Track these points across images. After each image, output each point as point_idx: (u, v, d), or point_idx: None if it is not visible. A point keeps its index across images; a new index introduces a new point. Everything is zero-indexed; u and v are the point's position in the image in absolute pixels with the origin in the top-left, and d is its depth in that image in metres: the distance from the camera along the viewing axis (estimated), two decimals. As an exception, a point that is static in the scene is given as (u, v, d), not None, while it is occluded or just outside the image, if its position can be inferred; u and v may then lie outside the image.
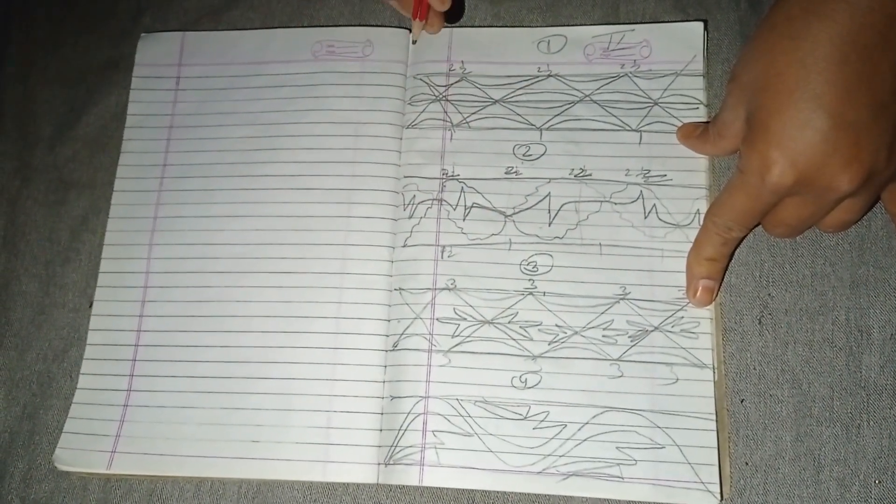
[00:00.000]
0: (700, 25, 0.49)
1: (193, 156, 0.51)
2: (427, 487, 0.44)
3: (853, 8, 0.37)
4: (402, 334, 0.46)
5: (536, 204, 0.47)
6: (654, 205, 0.47)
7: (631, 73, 0.49)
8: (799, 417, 0.43)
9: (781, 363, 0.44)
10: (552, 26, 0.51)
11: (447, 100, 0.50)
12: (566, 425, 0.43)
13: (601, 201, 0.47)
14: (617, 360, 0.44)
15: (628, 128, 0.48)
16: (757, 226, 0.44)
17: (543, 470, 0.43)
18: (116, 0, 0.57)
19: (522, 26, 0.51)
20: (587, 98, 0.49)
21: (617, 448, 0.43)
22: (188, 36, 0.53)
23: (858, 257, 0.45)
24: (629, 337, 0.45)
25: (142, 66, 0.53)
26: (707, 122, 0.47)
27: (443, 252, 0.47)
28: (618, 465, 0.42)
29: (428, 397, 0.45)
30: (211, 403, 0.46)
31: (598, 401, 0.44)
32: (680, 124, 0.48)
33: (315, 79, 0.51)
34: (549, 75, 0.50)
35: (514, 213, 0.47)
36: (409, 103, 0.50)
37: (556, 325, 0.45)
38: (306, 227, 0.48)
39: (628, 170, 0.47)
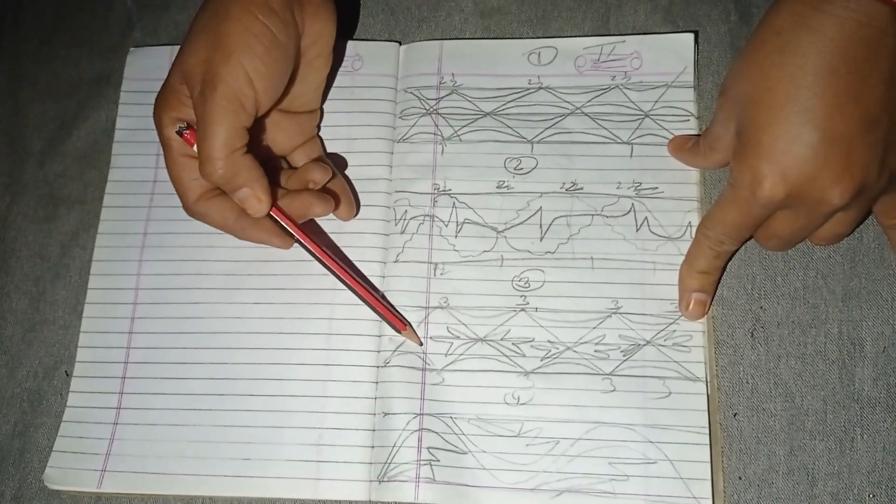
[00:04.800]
0: (690, 37, 0.49)
1: (183, 171, 0.50)
2: (420, 504, 0.44)
3: (842, 21, 0.37)
4: (394, 351, 0.46)
5: (528, 219, 0.47)
6: (646, 217, 0.47)
7: (622, 84, 0.49)
8: (792, 431, 0.43)
9: (774, 376, 0.44)
10: (542, 38, 0.51)
11: (438, 113, 0.50)
12: (559, 441, 0.43)
13: (593, 215, 0.47)
14: (609, 374, 0.44)
15: (619, 140, 0.48)
16: (749, 239, 0.44)
17: (537, 487, 0.43)
18: (107, 14, 0.56)
19: (513, 38, 0.51)
20: (578, 110, 0.49)
21: (609, 463, 0.43)
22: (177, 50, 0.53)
23: (850, 270, 0.45)
24: (621, 351, 0.44)
25: (131, 81, 0.53)
26: (698, 135, 0.46)
27: (435, 270, 0.47)
28: (610, 480, 0.42)
29: (422, 414, 0.44)
30: (201, 421, 0.46)
31: (590, 416, 0.43)
32: (671, 137, 0.48)
33: (305, 93, 0.51)
34: (540, 87, 0.50)
35: (505, 229, 0.47)
36: (400, 117, 0.50)
37: (549, 341, 0.45)
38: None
39: (619, 183, 0.47)
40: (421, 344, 0.46)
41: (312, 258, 0.45)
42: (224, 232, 0.46)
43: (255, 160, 0.43)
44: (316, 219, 0.48)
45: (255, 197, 0.43)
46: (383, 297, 0.47)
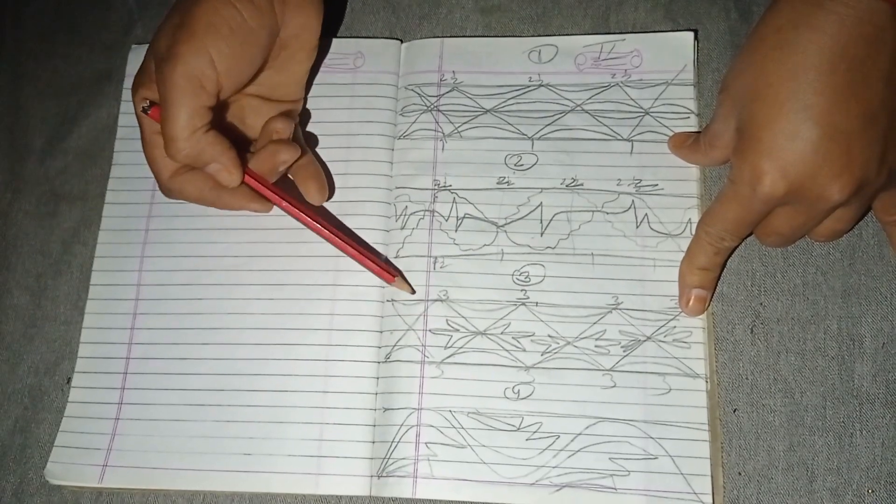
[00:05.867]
0: (690, 35, 0.49)
1: (185, 167, 0.50)
2: (420, 500, 0.44)
3: (842, 19, 0.38)
4: (395, 346, 0.46)
5: (528, 214, 0.47)
6: (646, 214, 0.47)
7: (622, 82, 0.49)
8: (791, 427, 0.43)
9: (774, 372, 0.44)
10: (543, 36, 0.51)
11: (438, 110, 0.50)
12: (559, 436, 0.43)
13: (593, 211, 0.47)
14: (609, 370, 0.44)
15: (619, 137, 0.48)
16: (749, 235, 0.44)
17: (536, 481, 0.43)
18: (108, 12, 0.57)
19: (513, 36, 0.52)
20: (578, 108, 0.49)
21: (610, 459, 0.43)
22: None
23: (850, 266, 0.45)
24: (622, 347, 0.45)
25: (132, 78, 0.52)
26: (698, 132, 0.47)
27: (435, 263, 0.47)
28: (611, 475, 0.42)
29: (421, 409, 0.44)
30: (203, 416, 0.46)
31: (590, 411, 0.44)
32: (671, 134, 0.48)
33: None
34: (541, 85, 0.50)
35: (506, 224, 0.47)
36: (401, 114, 0.50)
37: (549, 336, 0.45)
38: (298, 239, 0.48)
39: (620, 179, 0.47)
40: (413, 292, 0.46)
41: (293, 220, 0.45)
42: (202, 205, 0.46)
43: (219, 135, 0.43)
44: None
45: (225, 170, 0.43)
46: (373, 250, 0.47)
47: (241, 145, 0.44)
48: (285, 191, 0.46)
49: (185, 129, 0.42)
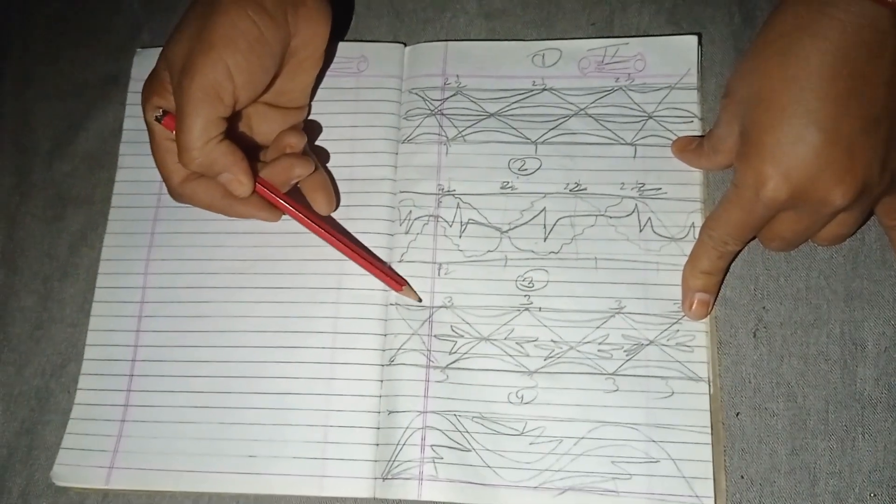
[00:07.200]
0: (694, 39, 0.49)
1: (190, 171, 0.51)
2: (425, 502, 0.44)
3: (844, 24, 0.38)
4: (399, 349, 0.46)
5: (532, 219, 0.47)
6: (650, 218, 0.47)
7: (625, 86, 0.49)
8: (794, 431, 0.43)
9: (776, 376, 0.44)
10: (546, 40, 0.51)
11: (442, 114, 0.50)
12: (562, 440, 0.43)
13: (596, 215, 0.47)
14: (612, 374, 0.44)
15: (623, 141, 0.48)
16: (753, 239, 0.44)
17: (540, 485, 0.43)
18: (114, 15, 0.57)
19: (517, 40, 0.52)
20: (582, 112, 0.49)
21: (612, 462, 0.43)
22: None
23: (853, 270, 0.46)
24: (624, 351, 0.45)
25: (138, 82, 0.53)
26: (702, 136, 0.47)
27: (440, 270, 0.47)
28: (613, 479, 0.43)
29: (426, 412, 0.45)
30: (208, 418, 0.46)
31: (593, 415, 0.44)
32: (674, 138, 0.48)
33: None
34: (544, 89, 0.50)
35: (509, 229, 0.47)
36: (405, 118, 0.50)
37: (552, 341, 0.45)
38: (303, 243, 0.48)
39: (623, 183, 0.48)
40: (420, 300, 0.47)
41: (305, 229, 0.46)
42: (212, 211, 0.47)
43: (232, 144, 0.43)
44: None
45: (236, 180, 0.44)
46: (381, 260, 0.47)
47: (247, 151, 0.44)
48: (293, 200, 0.46)
49: (200, 138, 0.42)
